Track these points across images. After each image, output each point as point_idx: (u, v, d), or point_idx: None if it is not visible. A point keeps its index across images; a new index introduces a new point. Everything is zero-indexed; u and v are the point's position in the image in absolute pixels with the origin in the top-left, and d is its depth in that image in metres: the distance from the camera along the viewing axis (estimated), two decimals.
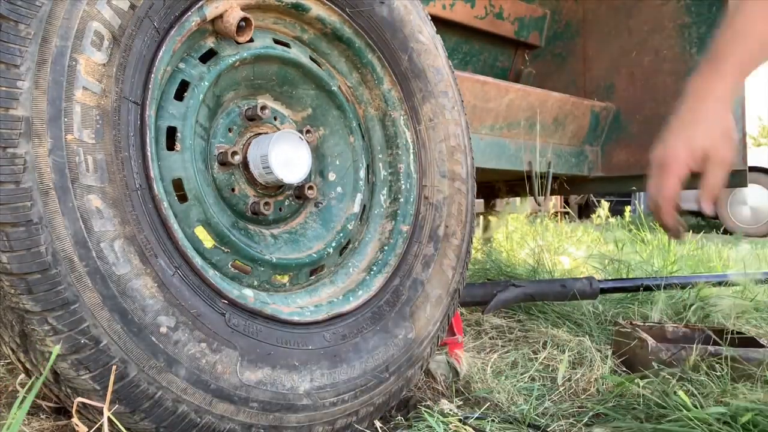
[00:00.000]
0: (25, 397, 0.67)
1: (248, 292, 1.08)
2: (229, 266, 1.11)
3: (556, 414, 1.35)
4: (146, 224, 0.93)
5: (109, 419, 0.87)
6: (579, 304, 2.17)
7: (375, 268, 1.27)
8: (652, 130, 2.47)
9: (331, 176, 1.33)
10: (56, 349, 0.83)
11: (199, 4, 1.06)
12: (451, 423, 1.19)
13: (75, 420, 0.77)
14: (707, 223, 8.26)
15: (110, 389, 0.84)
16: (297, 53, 1.24)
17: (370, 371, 1.16)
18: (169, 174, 1.03)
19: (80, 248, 0.86)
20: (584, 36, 2.78)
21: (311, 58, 1.27)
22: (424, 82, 1.36)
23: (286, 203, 1.27)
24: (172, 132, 1.05)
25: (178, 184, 1.04)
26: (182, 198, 1.05)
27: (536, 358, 1.70)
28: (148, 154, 0.96)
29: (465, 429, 1.18)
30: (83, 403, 0.90)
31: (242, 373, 1.00)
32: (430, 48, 1.38)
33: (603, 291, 2.15)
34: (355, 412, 1.15)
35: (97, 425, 0.88)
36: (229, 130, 1.19)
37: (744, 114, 2.28)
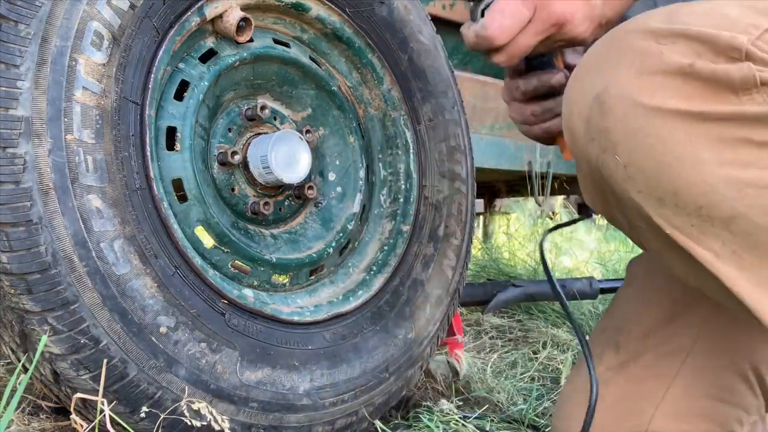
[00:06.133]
0: (14, 391, 0.67)
1: (248, 292, 1.08)
2: (229, 266, 1.11)
3: None
4: (146, 224, 0.93)
5: (110, 416, 0.87)
6: (579, 304, 2.17)
7: (375, 268, 1.27)
8: None
9: (331, 176, 1.33)
10: (44, 339, 0.83)
11: (199, 4, 1.06)
12: (451, 423, 1.20)
13: (74, 417, 0.77)
14: None
15: (102, 381, 0.84)
16: (297, 53, 1.24)
17: (370, 371, 1.16)
18: (169, 174, 1.03)
19: (80, 248, 0.86)
20: None
21: (311, 58, 1.27)
22: (424, 82, 1.36)
23: (286, 203, 1.27)
24: (171, 132, 1.05)
25: (177, 184, 1.04)
26: (182, 198, 1.05)
27: (536, 358, 1.70)
28: (148, 154, 0.96)
29: (465, 429, 1.18)
30: (83, 402, 0.90)
31: (242, 373, 1.00)
32: (430, 48, 1.38)
33: (603, 291, 2.14)
34: (354, 412, 1.15)
35: (93, 423, 0.88)
36: (229, 130, 1.19)
37: None
